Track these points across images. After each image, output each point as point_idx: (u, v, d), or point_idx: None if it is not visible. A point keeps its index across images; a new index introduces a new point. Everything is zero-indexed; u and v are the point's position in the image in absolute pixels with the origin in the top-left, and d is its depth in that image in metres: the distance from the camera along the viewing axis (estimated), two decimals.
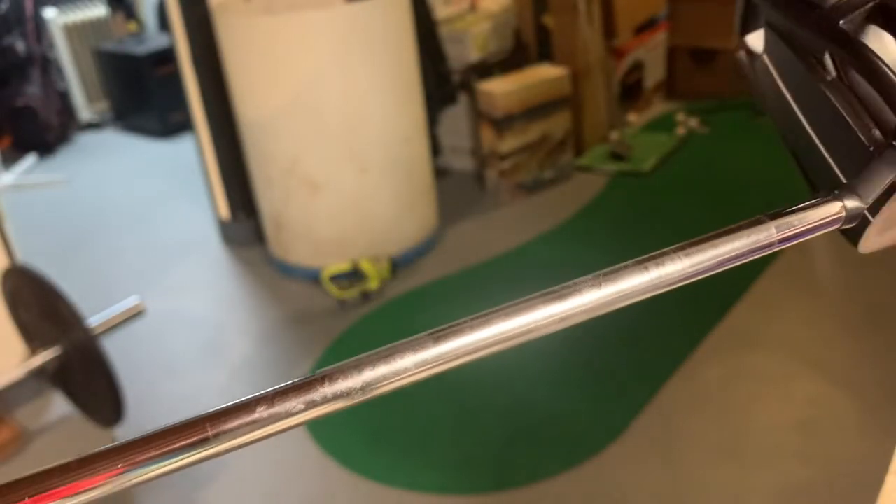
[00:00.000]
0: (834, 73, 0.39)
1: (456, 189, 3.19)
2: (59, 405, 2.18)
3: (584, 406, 1.98)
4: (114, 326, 2.02)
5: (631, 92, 3.59)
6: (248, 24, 2.41)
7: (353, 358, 0.33)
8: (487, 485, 1.78)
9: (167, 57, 3.94)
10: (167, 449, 0.31)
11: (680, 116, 3.55)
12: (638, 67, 3.59)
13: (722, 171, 3.14)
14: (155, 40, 4.29)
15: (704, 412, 1.91)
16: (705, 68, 3.76)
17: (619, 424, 1.87)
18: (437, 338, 0.33)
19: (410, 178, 2.66)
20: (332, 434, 1.97)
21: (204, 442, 0.31)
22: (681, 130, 3.45)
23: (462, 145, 3.30)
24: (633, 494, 1.71)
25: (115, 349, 1.96)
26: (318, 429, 1.98)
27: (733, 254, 0.36)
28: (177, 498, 1.85)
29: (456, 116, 3.26)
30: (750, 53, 0.46)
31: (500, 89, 2.94)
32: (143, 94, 4.27)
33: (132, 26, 4.46)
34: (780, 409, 1.88)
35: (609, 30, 3.35)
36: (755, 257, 0.36)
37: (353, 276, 2.51)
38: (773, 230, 0.36)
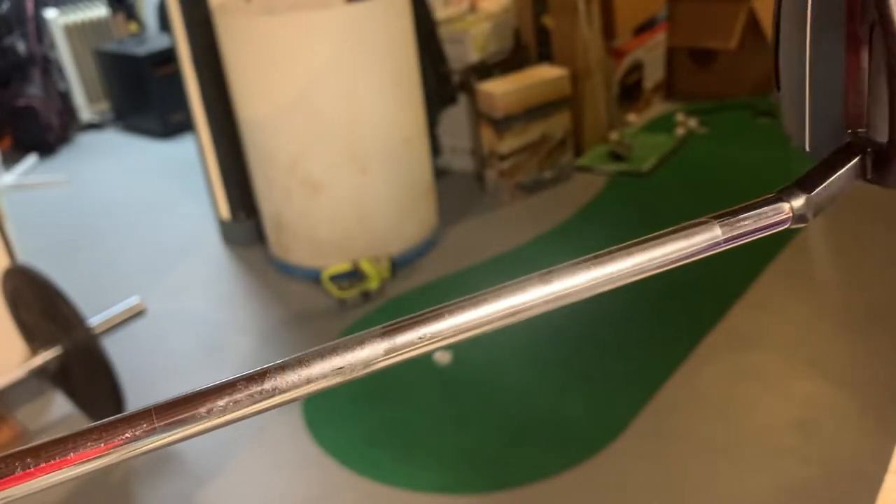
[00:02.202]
0: (867, 37, 0.36)
1: (456, 189, 3.19)
2: (59, 405, 2.18)
3: (584, 405, 1.98)
4: (114, 326, 2.03)
5: (630, 92, 3.60)
6: (248, 24, 2.42)
7: (300, 353, 0.33)
8: (487, 484, 1.78)
9: (168, 57, 3.94)
10: (112, 442, 0.31)
11: (679, 117, 3.55)
12: (637, 68, 3.60)
13: (721, 172, 3.15)
14: (155, 41, 4.30)
15: (704, 412, 1.91)
16: (705, 69, 3.76)
17: (619, 424, 1.87)
18: (385, 332, 0.34)
19: (410, 178, 2.67)
20: (332, 433, 1.97)
21: (150, 433, 0.31)
22: (680, 131, 3.45)
23: (462, 146, 3.31)
24: (632, 494, 1.72)
25: (116, 349, 1.97)
26: (319, 428, 1.98)
27: (677, 255, 0.36)
28: (177, 497, 1.85)
29: (456, 117, 3.26)
30: None
31: (500, 90, 2.94)
32: (144, 94, 4.27)
33: (133, 27, 4.47)
34: (779, 408, 1.89)
35: (609, 30, 3.35)
36: (699, 258, 0.37)
37: (354, 276, 2.51)
38: (718, 231, 0.37)
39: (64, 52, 4.42)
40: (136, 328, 2.17)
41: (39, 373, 1.98)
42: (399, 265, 2.62)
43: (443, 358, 2.15)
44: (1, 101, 4.12)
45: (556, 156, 3.14)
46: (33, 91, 4.14)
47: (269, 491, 1.84)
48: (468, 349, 2.21)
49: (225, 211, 2.98)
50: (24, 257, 2.24)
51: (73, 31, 4.44)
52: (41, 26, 4.20)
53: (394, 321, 0.34)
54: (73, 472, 0.31)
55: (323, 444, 1.93)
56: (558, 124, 3.10)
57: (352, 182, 2.54)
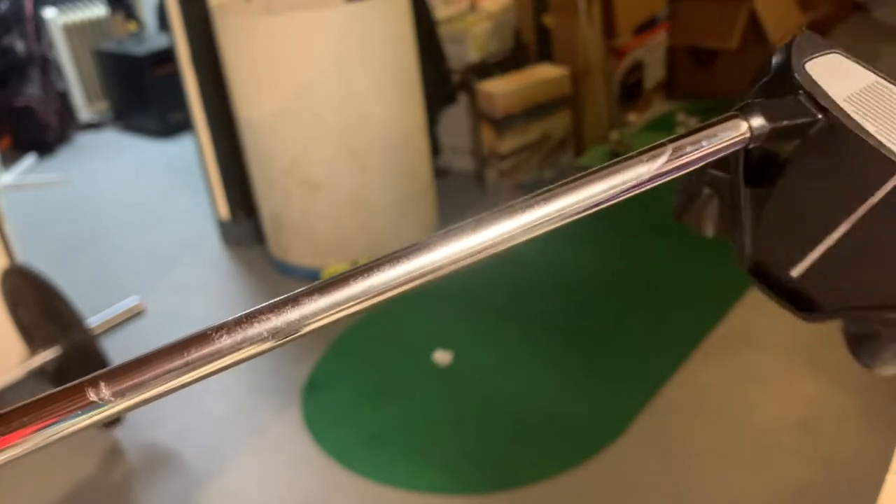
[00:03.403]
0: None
1: (456, 189, 3.18)
2: None
3: (584, 406, 1.98)
4: (114, 326, 2.03)
5: (631, 92, 3.59)
6: (247, 23, 2.41)
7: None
8: (487, 485, 1.78)
9: (167, 57, 3.94)
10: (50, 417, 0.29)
11: (680, 116, 3.55)
12: (638, 67, 3.59)
13: None
14: (154, 40, 4.29)
15: (704, 412, 1.91)
16: (705, 68, 3.76)
17: (619, 424, 1.87)
18: (322, 289, 0.32)
19: (410, 177, 2.66)
20: (331, 433, 1.97)
21: (91, 405, 0.29)
22: (681, 130, 3.44)
23: (462, 145, 3.30)
24: (632, 495, 1.71)
25: (115, 349, 1.96)
26: (318, 428, 1.98)
27: (630, 184, 0.35)
28: (177, 497, 1.85)
29: (456, 116, 3.26)
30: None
31: (500, 89, 2.94)
32: (143, 93, 4.27)
33: (132, 26, 4.46)
34: (780, 408, 1.88)
35: (609, 30, 3.35)
36: (654, 185, 0.35)
37: None
38: (671, 154, 0.35)
39: (63, 52, 4.41)
40: (135, 328, 2.16)
41: (38, 373, 1.98)
42: None
43: (443, 359, 2.15)
44: None
45: (557, 155, 3.13)
46: (32, 91, 4.13)
47: (268, 491, 1.84)
48: (468, 350, 2.20)
49: (224, 211, 2.97)
50: (22, 257, 2.23)
51: (72, 31, 4.43)
52: (40, 26, 4.20)
53: (326, 279, 0.33)
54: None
55: (323, 445, 1.92)
56: (558, 124, 3.09)
57: (351, 182, 2.53)
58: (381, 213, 2.61)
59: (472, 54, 3.20)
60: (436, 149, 3.17)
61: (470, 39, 3.18)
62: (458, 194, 3.14)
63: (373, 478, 1.82)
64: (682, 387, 1.97)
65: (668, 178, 0.35)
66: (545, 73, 3.07)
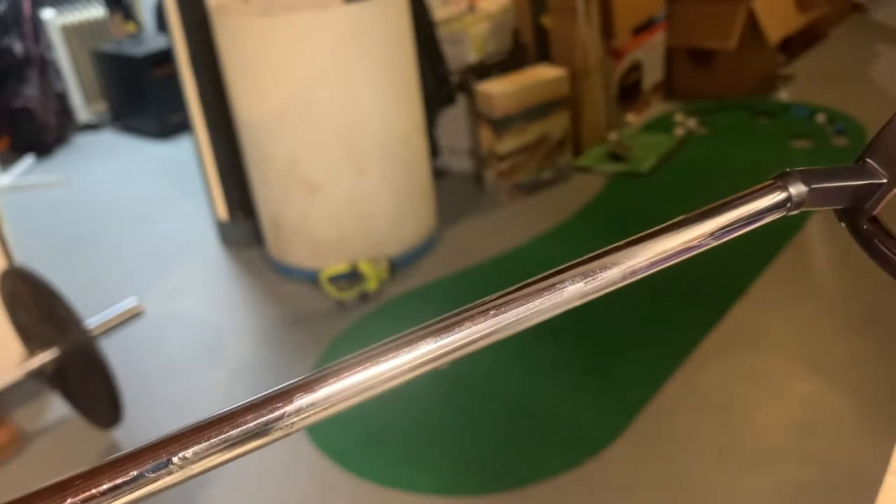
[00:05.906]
0: None
1: (454, 190, 3.18)
2: (57, 407, 2.17)
3: (584, 406, 1.97)
4: (112, 328, 2.02)
5: (629, 92, 3.59)
6: (246, 24, 2.41)
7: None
8: (487, 485, 1.78)
9: (165, 58, 3.94)
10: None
11: (678, 117, 3.55)
12: (636, 68, 3.59)
13: (721, 172, 3.14)
14: (153, 41, 4.29)
15: (704, 412, 1.90)
16: (704, 69, 3.76)
17: (619, 424, 1.87)
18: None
19: (409, 178, 2.66)
20: (331, 435, 1.96)
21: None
22: (679, 131, 3.45)
23: (461, 146, 3.30)
24: (632, 494, 1.71)
25: (114, 350, 1.96)
26: (317, 430, 1.97)
27: (666, 254, 0.34)
28: (177, 498, 1.85)
29: (454, 117, 3.26)
30: None
31: (499, 90, 2.94)
32: (142, 94, 4.26)
33: (130, 27, 4.46)
34: (779, 409, 1.88)
35: (607, 30, 3.35)
36: (699, 251, 0.35)
37: (352, 276, 2.50)
38: (716, 222, 0.35)
39: (61, 53, 4.41)
40: (134, 329, 2.16)
41: (37, 374, 1.98)
42: (398, 266, 2.62)
43: None
44: None
45: (555, 156, 3.13)
46: (30, 92, 4.13)
47: (268, 493, 1.84)
48: None
49: (223, 212, 2.97)
50: (21, 259, 2.23)
51: (71, 32, 4.43)
52: (38, 27, 4.19)
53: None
54: None
55: (322, 447, 1.92)
56: (557, 124, 3.09)
57: (350, 183, 2.53)
58: (379, 215, 2.61)
59: (471, 55, 3.20)
60: (434, 150, 3.17)
61: (468, 40, 3.18)
62: (457, 195, 3.14)
63: (373, 479, 1.82)
64: (682, 387, 1.97)
65: (705, 248, 0.35)
66: (544, 74, 3.07)
